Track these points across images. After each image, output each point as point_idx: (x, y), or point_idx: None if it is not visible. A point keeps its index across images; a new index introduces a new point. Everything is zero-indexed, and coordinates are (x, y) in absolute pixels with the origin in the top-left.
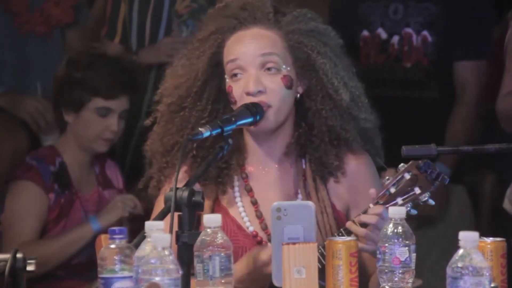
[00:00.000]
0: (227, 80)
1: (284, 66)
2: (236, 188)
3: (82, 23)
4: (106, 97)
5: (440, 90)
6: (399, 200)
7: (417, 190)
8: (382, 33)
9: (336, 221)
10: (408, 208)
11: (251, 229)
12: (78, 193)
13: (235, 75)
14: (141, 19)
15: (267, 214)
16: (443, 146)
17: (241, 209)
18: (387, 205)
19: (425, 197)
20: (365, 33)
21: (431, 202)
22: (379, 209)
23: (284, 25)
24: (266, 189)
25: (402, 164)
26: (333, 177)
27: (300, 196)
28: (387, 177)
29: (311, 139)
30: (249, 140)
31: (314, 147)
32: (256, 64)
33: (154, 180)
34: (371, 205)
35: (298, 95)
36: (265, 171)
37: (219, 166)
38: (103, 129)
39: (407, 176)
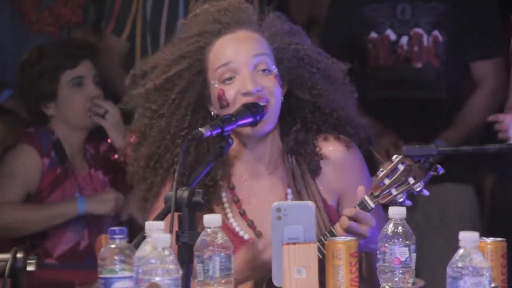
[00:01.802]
0: (215, 85)
1: (273, 67)
2: (225, 199)
3: (89, 23)
4: (71, 66)
5: (450, 90)
6: (394, 191)
7: (411, 180)
8: (391, 34)
9: (328, 216)
10: (403, 199)
11: (246, 237)
12: (74, 171)
13: (229, 78)
14: (155, 17)
15: (260, 220)
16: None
17: (231, 220)
18: (382, 196)
19: (419, 186)
20: (373, 34)
21: (425, 192)
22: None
23: (266, 29)
24: (256, 197)
25: (396, 155)
26: (323, 168)
27: (290, 196)
28: (381, 169)
29: (305, 134)
30: (234, 149)
31: (307, 140)
32: (249, 65)
33: (142, 201)
34: (366, 197)
35: (282, 97)
36: (254, 178)
37: (205, 184)
38: (84, 99)
39: (401, 166)
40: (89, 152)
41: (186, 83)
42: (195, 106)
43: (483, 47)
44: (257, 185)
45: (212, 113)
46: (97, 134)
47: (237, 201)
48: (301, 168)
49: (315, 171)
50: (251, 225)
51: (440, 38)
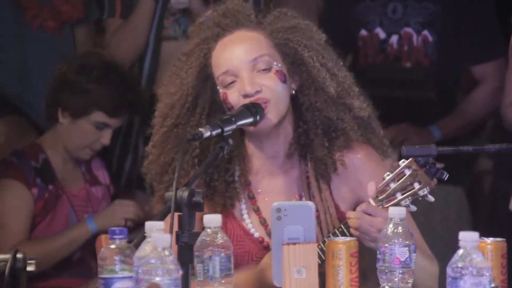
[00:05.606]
0: (220, 90)
1: (275, 63)
2: (241, 196)
3: (91, 20)
4: (110, 115)
5: (440, 90)
6: (399, 195)
7: (417, 186)
8: (381, 33)
9: (340, 222)
10: (407, 203)
11: (256, 235)
12: (64, 188)
13: (230, 82)
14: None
15: None
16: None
17: (245, 216)
18: (386, 200)
19: (424, 192)
20: (363, 32)
21: (430, 198)
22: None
23: (267, 25)
24: (270, 195)
25: (402, 160)
26: (335, 175)
27: (304, 199)
28: (387, 173)
29: (310, 138)
30: (250, 146)
31: (313, 146)
32: (247, 67)
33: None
34: (370, 201)
35: (293, 91)
36: (269, 176)
37: (226, 180)
38: (94, 140)
39: (407, 171)
40: (83, 164)
41: (197, 90)
42: (209, 111)
43: (484, 50)
44: (272, 183)
45: None
46: None
47: (252, 197)
48: (316, 171)
49: (326, 177)
50: (263, 222)
51: (430, 38)
